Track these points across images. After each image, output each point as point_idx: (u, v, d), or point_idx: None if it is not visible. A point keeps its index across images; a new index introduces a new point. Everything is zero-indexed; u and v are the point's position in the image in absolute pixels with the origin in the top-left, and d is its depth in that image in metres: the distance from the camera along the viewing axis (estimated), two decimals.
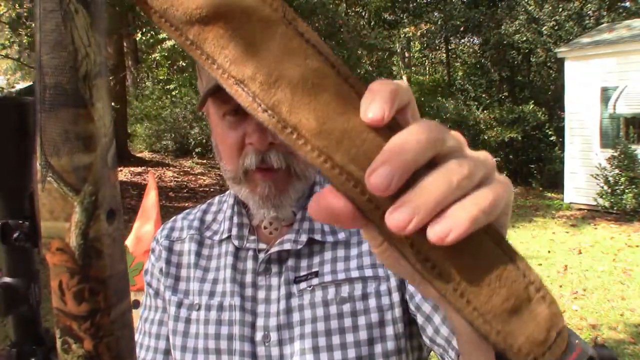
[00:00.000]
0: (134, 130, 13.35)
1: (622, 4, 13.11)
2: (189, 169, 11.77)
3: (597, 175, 8.11)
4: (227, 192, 0.90)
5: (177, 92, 13.42)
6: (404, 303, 0.76)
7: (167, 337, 0.84)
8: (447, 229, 0.24)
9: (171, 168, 11.67)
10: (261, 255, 0.81)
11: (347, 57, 11.67)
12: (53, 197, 0.28)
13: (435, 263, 0.26)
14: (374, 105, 0.26)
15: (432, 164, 0.26)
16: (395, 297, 0.76)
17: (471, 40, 15.38)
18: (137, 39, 12.61)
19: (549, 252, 6.16)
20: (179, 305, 0.82)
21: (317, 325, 0.75)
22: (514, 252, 0.27)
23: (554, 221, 7.98)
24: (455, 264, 0.26)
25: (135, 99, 13.64)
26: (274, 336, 0.76)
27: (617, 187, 7.86)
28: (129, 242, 2.69)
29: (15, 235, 0.44)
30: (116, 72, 10.82)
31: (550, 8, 12.27)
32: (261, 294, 0.79)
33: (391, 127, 0.26)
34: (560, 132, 10.50)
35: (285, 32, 0.27)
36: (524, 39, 12.25)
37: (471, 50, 15.63)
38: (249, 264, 0.81)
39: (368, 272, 0.78)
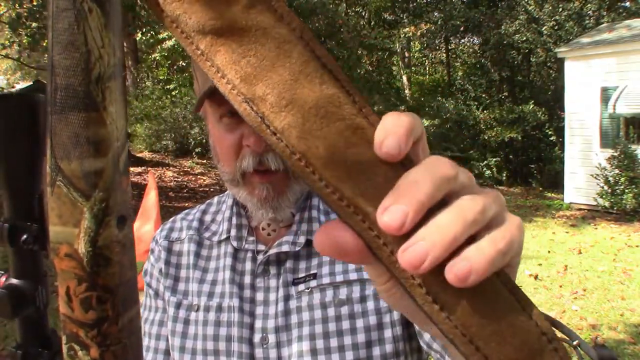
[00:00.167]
0: (134, 130, 13.35)
1: (622, 4, 13.10)
2: (189, 169, 11.77)
3: (597, 175, 8.11)
4: (226, 192, 0.90)
5: (177, 92, 13.42)
6: None
7: (167, 337, 0.84)
8: (467, 270, 0.23)
9: (171, 168, 11.67)
10: (260, 257, 0.81)
11: (347, 57, 11.67)
12: (62, 202, 0.27)
13: (444, 305, 0.24)
14: (390, 139, 0.25)
15: (442, 200, 0.25)
16: None
17: (471, 40, 15.39)
18: (137, 39, 12.61)
19: (548, 252, 6.16)
20: (178, 306, 0.82)
21: (315, 327, 0.75)
22: (527, 299, 0.25)
23: (554, 221, 7.98)
24: (466, 308, 0.24)
25: (135, 99, 13.62)
26: (272, 338, 0.76)
27: (617, 187, 7.86)
28: None
29: (24, 237, 0.43)
30: None
31: (550, 8, 12.27)
32: (259, 296, 0.79)
33: (403, 161, 0.25)
34: (560, 132, 10.50)
35: (301, 53, 0.25)
36: (524, 39, 12.24)
37: (471, 50, 15.62)
38: (248, 265, 0.81)
39: (366, 274, 0.77)
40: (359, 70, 12.53)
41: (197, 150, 12.49)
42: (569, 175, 9.17)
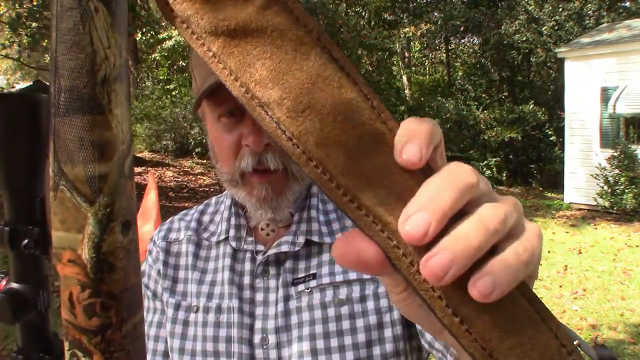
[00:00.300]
0: (134, 130, 13.35)
1: (622, 4, 13.10)
2: (189, 169, 11.77)
3: (597, 175, 8.11)
4: (224, 192, 0.89)
5: (177, 92, 13.42)
6: None
7: (166, 339, 0.83)
8: (491, 285, 0.23)
9: (171, 168, 11.67)
10: (259, 257, 0.80)
11: (347, 57, 11.67)
12: (65, 207, 0.26)
13: (464, 318, 0.24)
14: (411, 146, 0.24)
15: (463, 208, 0.24)
16: None
17: (471, 40, 15.38)
18: (137, 38, 12.60)
19: (549, 252, 6.15)
20: (177, 307, 0.82)
21: (315, 327, 0.74)
22: (546, 310, 0.25)
23: (554, 221, 7.97)
24: (486, 321, 0.24)
25: (135, 99, 13.62)
26: (272, 339, 0.75)
27: (617, 187, 7.86)
28: None
29: (25, 242, 0.42)
30: None
31: (550, 8, 12.26)
32: (259, 296, 0.79)
33: (423, 168, 0.24)
34: (560, 132, 10.50)
35: (318, 55, 0.25)
36: (524, 39, 12.24)
37: (471, 50, 15.62)
38: (247, 266, 0.81)
39: (366, 274, 0.77)
40: (359, 70, 12.50)
41: (197, 150, 12.48)
42: (569, 175, 9.17)
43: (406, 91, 14.87)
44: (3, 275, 0.45)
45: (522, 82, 13.66)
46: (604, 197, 8.06)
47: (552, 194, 10.25)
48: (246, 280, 0.80)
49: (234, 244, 0.82)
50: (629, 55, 8.25)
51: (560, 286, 4.95)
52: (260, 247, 0.82)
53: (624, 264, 5.60)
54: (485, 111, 12.05)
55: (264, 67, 0.24)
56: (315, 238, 0.80)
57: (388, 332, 0.75)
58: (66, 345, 0.28)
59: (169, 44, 12.15)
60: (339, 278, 0.77)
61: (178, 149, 12.87)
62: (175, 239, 0.88)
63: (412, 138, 0.24)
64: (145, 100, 13.35)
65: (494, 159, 11.51)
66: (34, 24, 9.05)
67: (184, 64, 13.11)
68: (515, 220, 0.25)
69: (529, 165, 11.81)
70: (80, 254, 0.26)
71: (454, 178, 0.24)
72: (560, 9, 12.27)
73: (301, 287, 0.77)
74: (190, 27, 0.26)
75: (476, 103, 12.73)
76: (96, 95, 0.25)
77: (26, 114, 0.42)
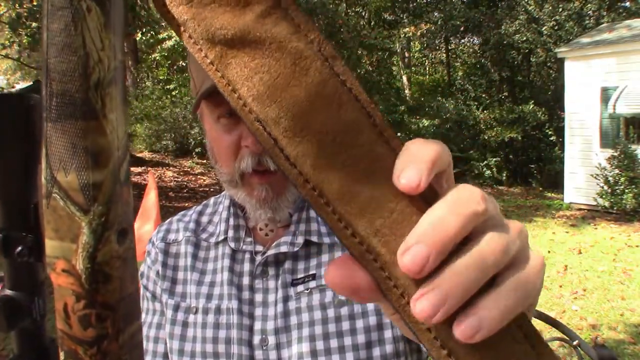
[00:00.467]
0: (134, 130, 13.35)
1: (622, 4, 13.10)
2: (189, 169, 11.77)
3: (597, 175, 8.11)
4: (223, 193, 0.89)
5: (177, 92, 13.42)
6: None
7: (165, 340, 0.83)
8: (476, 327, 0.22)
9: (171, 168, 11.67)
10: (258, 258, 0.80)
11: (347, 57, 11.67)
12: (58, 216, 0.25)
13: (452, 352, 0.23)
14: (410, 170, 0.22)
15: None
16: None
17: (471, 40, 15.38)
18: (137, 39, 12.60)
19: (549, 252, 6.15)
20: (176, 308, 0.81)
21: (315, 328, 0.74)
22: (542, 344, 0.23)
23: (554, 221, 7.97)
24: (475, 355, 0.23)
25: (135, 99, 13.62)
26: (271, 340, 0.75)
27: (617, 187, 7.86)
28: None
29: (18, 250, 0.41)
30: None
31: (550, 8, 12.26)
32: (258, 297, 0.78)
33: (424, 194, 0.23)
34: (560, 132, 10.50)
35: (319, 70, 0.23)
36: (524, 39, 12.24)
37: (471, 50, 15.61)
38: (246, 267, 0.80)
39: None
40: (359, 70, 12.52)
41: (197, 150, 12.48)
42: (569, 175, 9.16)
43: (406, 91, 14.87)
44: None
45: (522, 82, 13.66)
46: (604, 197, 8.05)
47: (552, 194, 10.25)
48: (245, 281, 0.80)
49: (232, 244, 0.82)
50: (629, 55, 8.25)
51: (560, 286, 4.95)
52: (259, 248, 0.82)
53: (624, 264, 5.60)
54: (485, 111, 12.05)
55: (261, 82, 0.23)
56: (314, 238, 0.80)
57: (388, 333, 0.75)
58: (62, 355, 0.27)
59: (169, 44, 12.15)
60: None
61: (178, 149, 12.87)
62: (174, 240, 0.88)
63: (412, 161, 0.23)
64: (145, 100, 13.35)
65: (494, 159, 11.50)
66: (34, 24, 9.05)
67: (184, 64, 13.11)
68: (518, 249, 0.24)
69: (529, 165, 11.81)
70: (75, 264, 0.25)
71: (459, 206, 0.23)
72: (560, 9, 12.27)
73: (301, 287, 0.77)
74: (187, 31, 0.25)
75: (476, 103, 12.73)
76: (89, 100, 0.24)
77: (19, 116, 0.40)
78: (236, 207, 0.85)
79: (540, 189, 11.06)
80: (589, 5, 12.53)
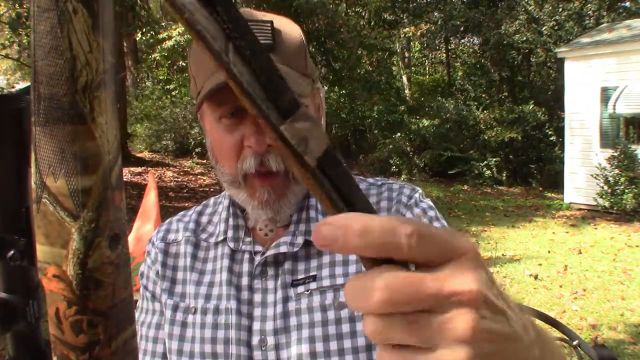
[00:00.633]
0: (134, 130, 13.34)
1: (622, 4, 13.09)
2: (189, 169, 11.77)
3: (597, 175, 8.10)
4: (223, 193, 0.89)
5: (177, 92, 13.42)
6: None
7: (164, 340, 0.83)
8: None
9: (171, 168, 11.67)
10: (257, 258, 0.80)
11: (347, 57, 11.66)
12: (48, 221, 0.24)
13: None
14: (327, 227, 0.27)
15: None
16: None
17: (471, 40, 15.37)
18: (137, 39, 12.60)
19: (549, 252, 6.15)
20: (175, 308, 0.81)
21: (315, 330, 0.74)
22: None
23: (554, 221, 7.97)
24: None
25: (135, 99, 13.63)
26: (270, 340, 0.75)
27: (617, 187, 7.86)
28: (128, 241, 2.69)
29: (10, 254, 0.40)
30: (116, 72, 10.81)
31: (550, 8, 12.26)
32: (257, 297, 0.78)
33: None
34: (560, 132, 10.50)
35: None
36: (524, 39, 12.24)
37: (471, 50, 15.61)
38: (245, 267, 0.80)
39: None
40: (359, 70, 12.51)
41: (197, 150, 12.49)
42: (569, 175, 9.16)
43: (406, 91, 14.86)
44: None
45: (522, 82, 13.66)
46: (604, 197, 8.05)
47: (552, 194, 10.25)
48: (244, 281, 0.79)
49: (232, 244, 0.82)
50: (629, 55, 8.25)
51: (560, 286, 4.95)
52: (259, 248, 0.81)
53: (624, 264, 5.60)
54: (485, 111, 12.04)
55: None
56: None
57: None
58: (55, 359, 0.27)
59: (169, 44, 12.13)
60: (339, 281, 0.76)
61: (178, 149, 12.87)
62: (173, 240, 0.87)
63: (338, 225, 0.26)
64: (145, 100, 13.36)
65: (494, 159, 11.50)
66: (30, 23, 9.03)
67: (184, 64, 13.10)
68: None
69: (529, 165, 11.81)
70: (65, 270, 0.25)
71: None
72: (560, 9, 12.27)
73: (301, 288, 0.77)
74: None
75: (476, 103, 12.72)
76: (77, 104, 0.23)
77: (9, 118, 0.40)
78: (236, 207, 0.85)
79: (540, 189, 11.06)
80: (589, 5, 12.53)
